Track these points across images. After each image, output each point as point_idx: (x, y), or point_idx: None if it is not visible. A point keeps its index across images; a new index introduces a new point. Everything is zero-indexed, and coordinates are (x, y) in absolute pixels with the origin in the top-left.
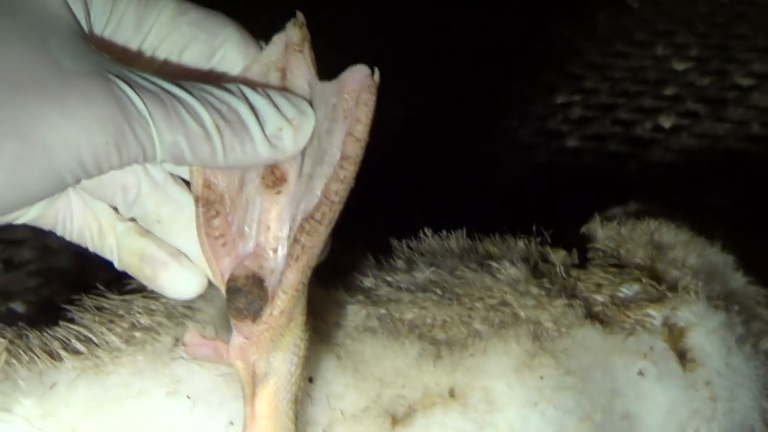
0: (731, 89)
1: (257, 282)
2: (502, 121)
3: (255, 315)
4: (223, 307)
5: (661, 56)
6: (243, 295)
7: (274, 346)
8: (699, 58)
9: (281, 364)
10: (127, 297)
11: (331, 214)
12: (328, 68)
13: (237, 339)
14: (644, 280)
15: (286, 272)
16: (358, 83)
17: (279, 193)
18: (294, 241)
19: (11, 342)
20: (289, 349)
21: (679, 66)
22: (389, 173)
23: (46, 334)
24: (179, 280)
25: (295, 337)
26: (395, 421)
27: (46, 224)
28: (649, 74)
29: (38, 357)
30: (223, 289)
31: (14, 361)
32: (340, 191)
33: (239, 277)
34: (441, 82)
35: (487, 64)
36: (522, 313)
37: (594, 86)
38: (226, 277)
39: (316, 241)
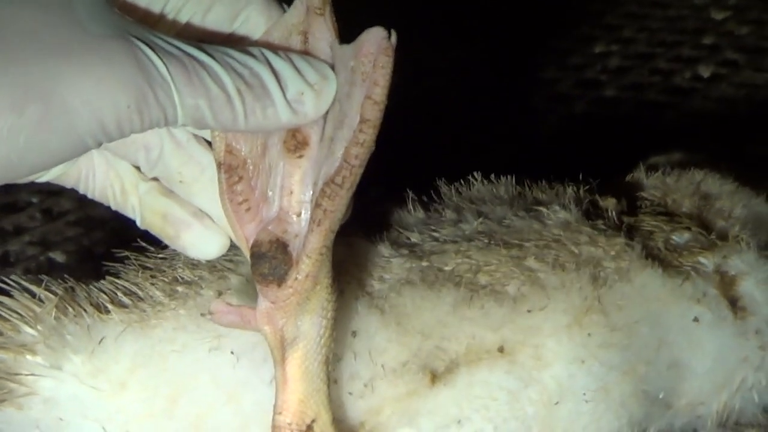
0: None
1: (281, 247)
2: (541, 73)
3: (280, 280)
4: None
5: (700, 5)
6: (267, 261)
7: (301, 309)
8: (737, 7)
9: (310, 327)
10: (169, 252)
11: (351, 178)
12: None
13: (264, 304)
14: (694, 228)
15: (309, 236)
16: (375, 46)
17: (301, 157)
18: (316, 205)
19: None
20: (316, 312)
21: (718, 15)
22: (432, 124)
23: (92, 287)
24: (201, 240)
25: (322, 300)
26: (435, 377)
27: (68, 182)
28: (687, 24)
29: (85, 310)
30: (247, 254)
31: (61, 315)
32: (360, 155)
33: (263, 242)
34: (480, 35)
35: (525, 16)
36: (578, 250)
37: (632, 36)
38: (251, 242)
39: (337, 205)
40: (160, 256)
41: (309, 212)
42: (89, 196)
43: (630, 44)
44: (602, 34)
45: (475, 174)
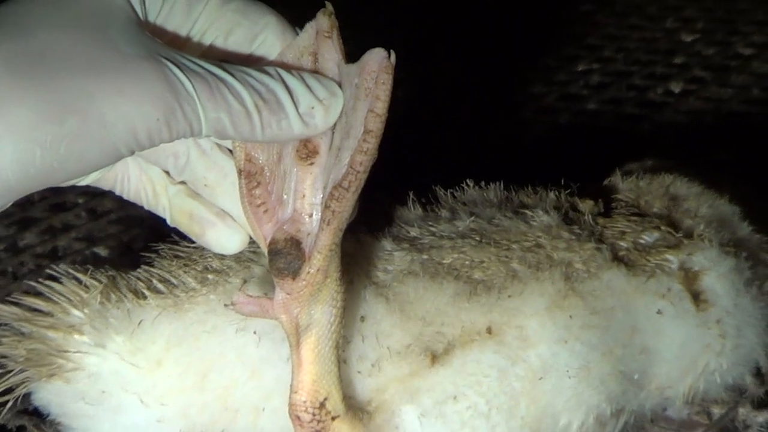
0: (734, 58)
1: (295, 244)
2: (530, 88)
3: (294, 273)
4: None
5: (671, 28)
6: (283, 256)
7: (313, 300)
8: (705, 30)
9: (321, 315)
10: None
11: (357, 182)
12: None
13: (280, 295)
14: (663, 227)
15: (320, 235)
16: (376, 65)
17: (312, 164)
18: (325, 207)
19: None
20: (327, 302)
21: (687, 37)
22: (431, 134)
23: (131, 276)
24: (224, 237)
25: (332, 291)
26: (435, 358)
27: (105, 185)
28: (660, 45)
29: (125, 297)
30: (265, 251)
31: (105, 301)
32: (364, 162)
33: (279, 240)
34: (477, 55)
35: (517, 38)
36: (555, 255)
37: (611, 55)
38: (268, 240)
39: (344, 207)
40: (192, 246)
41: (319, 213)
42: (124, 197)
43: (609, 63)
44: (584, 54)
45: (467, 180)
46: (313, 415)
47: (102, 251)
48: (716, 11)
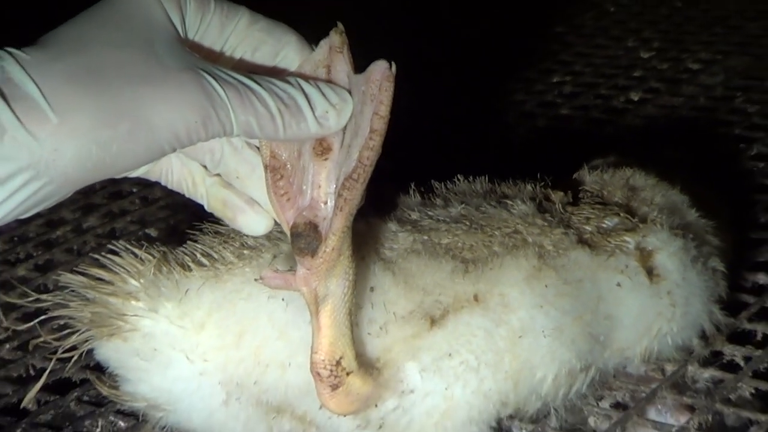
0: (684, 72)
1: (313, 227)
2: (512, 96)
3: (313, 252)
4: None
5: (631, 47)
6: (303, 238)
7: (329, 274)
8: (660, 49)
9: (336, 287)
10: None
11: (364, 174)
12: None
13: (301, 271)
14: (622, 214)
15: (334, 219)
16: (380, 74)
17: (326, 159)
18: (338, 195)
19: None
20: (341, 276)
21: (645, 54)
22: (431, 134)
23: (179, 252)
24: (253, 221)
25: (345, 267)
26: (433, 322)
27: (152, 177)
28: (622, 61)
29: (174, 269)
30: (288, 234)
31: (157, 272)
32: (370, 157)
33: (299, 224)
34: (469, 68)
35: (502, 55)
36: (530, 239)
37: (581, 69)
38: (290, 224)
39: (354, 195)
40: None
41: (333, 201)
42: (168, 186)
43: (579, 76)
44: (559, 68)
45: (458, 175)
46: (331, 371)
47: (152, 232)
48: (670, 33)
